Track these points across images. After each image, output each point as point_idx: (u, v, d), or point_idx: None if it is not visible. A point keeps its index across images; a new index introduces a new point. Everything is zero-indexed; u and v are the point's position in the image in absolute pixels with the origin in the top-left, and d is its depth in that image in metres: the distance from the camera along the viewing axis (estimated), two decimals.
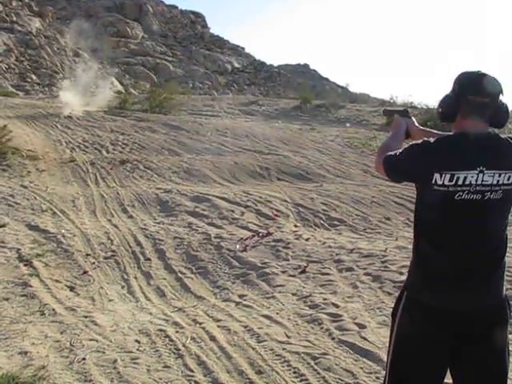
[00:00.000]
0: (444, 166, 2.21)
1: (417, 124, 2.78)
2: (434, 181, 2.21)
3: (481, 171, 2.21)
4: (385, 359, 3.87)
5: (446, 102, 2.38)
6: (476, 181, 2.21)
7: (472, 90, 2.27)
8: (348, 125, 16.55)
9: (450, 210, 2.25)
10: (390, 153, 2.39)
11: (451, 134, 2.37)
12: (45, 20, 47.25)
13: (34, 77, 37.24)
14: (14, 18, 44.25)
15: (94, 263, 6.59)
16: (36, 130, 15.54)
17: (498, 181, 2.22)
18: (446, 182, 2.20)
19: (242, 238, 7.31)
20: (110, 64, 46.52)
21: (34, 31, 43.95)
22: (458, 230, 2.26)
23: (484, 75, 2.29)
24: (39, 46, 42.00)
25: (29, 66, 39.13)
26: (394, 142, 2.60)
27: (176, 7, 63.89)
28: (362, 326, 4.66)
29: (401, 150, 2.36)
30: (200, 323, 4.88)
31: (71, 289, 5.86)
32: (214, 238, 7.35)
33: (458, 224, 2.26)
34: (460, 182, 2.20)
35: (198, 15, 64.35)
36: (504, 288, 2.34)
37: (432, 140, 2.30)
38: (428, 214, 2.31)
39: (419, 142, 2.34)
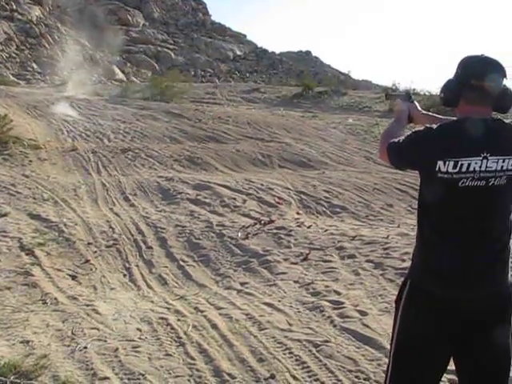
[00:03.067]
0: (447, 154, 2.17)
1: (419, 108, 2.74)
2: (437, 168, 2.18)
3: (485, 157, 2.17)
4: (387, 346, 3.87)
5: (448, 86, 2.35)
6: (480, 167, 2.17)
7: (475, 74, 2.23)
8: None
9: (454, 196, 2.22)
10: (394, 140, 2.36)
11: (454, 119, 2.34)
12: (45, 8, 47.02)
13: (34, 66, 37.13)
14: (14, 7, 44.05)
15: (95, 252, 6.58)
16: (37, 119, 15.51)
17: (502, 166, 2.19)
18: (450, 169, 2.17)
19: (243, 226, 7.29)
20: (112, 52, 46.33)
21: (34, 19, 43.78)
22: (462, 216, 2.23)
23: (487, 59, 2.25)
24: (40, 35, 41.84)
25: (29, 54, 39.02)
26: (396, 129, 2.57)
27: None
28: (363, 314, 4.65)
29: (403, 138, 2.33)
30: (202, 311, 4.88)
31: (73, 277, 5.86)
32: (216, 225, 7.33)
33: (462, 211, 2.23)
34: (464, 169, 2.17)
35: (199, 2, 63.97)
36: (509, 275, 2.32)
37: (435, 127, 2.26)
38: (432, 201, 2.28)
39: (421, 128, 2.30)
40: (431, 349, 2.27)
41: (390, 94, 3.10)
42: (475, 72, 2.24)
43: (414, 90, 20.96)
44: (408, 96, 2.80)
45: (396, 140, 2.35)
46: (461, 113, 2.31)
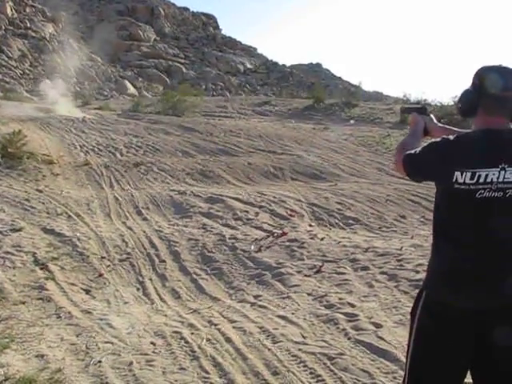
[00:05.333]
0: (465, 165, 2.17)
1: (435, 121, 2.73)
2: (454, 179, 2.18)
3: (502, 168, 2.17)
4: (402, 359, 3.84)
5: (465, 97, 2.34)
6: (498, 178, 2.16)
7: (492, 84, 2.23)
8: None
9: (471, 208, 2.21)
10: (410, 151, 2.35)
11: (471, 131, 2.33)
12: (58, 25, 47.61)
13: (48, 81, 37.50)
14: (28, 24, 44.69)
15: (109, 266, 6.60)
16: (50, 134, 15.65)
17: None
18: (467, 181, 2.17)
19: (256, 239, 7.29)
20: (123, 67, 46.76)
21: (47, 36, 44.34)
22: (479, 227, 2.21)
23: (505, 69, 2.25)
24: (53, 51, 42.34)
25: (43, 71, 39.45)
26: (412, 141, 2.55)
27: (187, 9, 64.18)
28: (378, 326, 4.61)
29: (420, 149, 2.32)
30: (215, 324, 4.87)
31: (87, 292, 5.88)
32: (229, 238, 7.34)
33: (479, 222, 2.21)
34: (481, 180, 2.16)
35: (209, 17, 64.55)
36: None
37: (452, 137, 2.26)
38: (448, 211, 2.28)
39: (438, 139, 2.30)
40: (448, 361, 2.25)
41: (405, 107, 3.07)
42: (493, 82, 2.23)
43: (425, 100, 20.92)
44: (424, 109, 2.79)
45: (412, 151, 2.34)
46: (478, 123, 2.30)
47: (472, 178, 2.16)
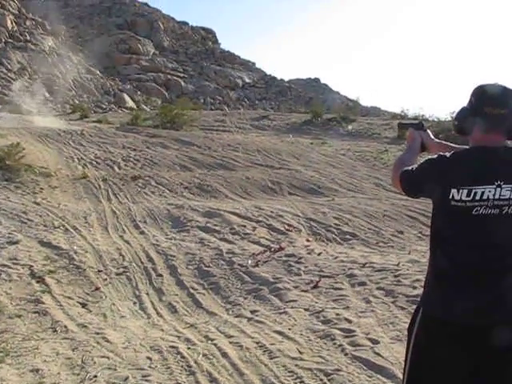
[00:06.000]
0: (461, 182, 2.19)
1: (432, 137, 2.74)
2: (451, 196, 2.19)
3: (498, 185, 2.18)
4: (399, 375, 3.82)
5: (462, 114, 2.37)
6: (494, 195, 2.18)
7: (489, 102, 2.24)
8: (350, 127, 16.45)
9: (467, 224, 2.22)
10: (407, 168, 2.37)
11: (468, 148, 2.35)
12: (57, 38, 47.83)
13: (47, 94, 37.62)
14: (28, 37, 44.87)
15: (105, 279, 6.59)
16: (48, 146, 15.66)
17: None
18: (464, 198, 2.18)
19: (253, 253, 7.28)
20: (122, 80, 46.92)
21: (47, 49, 44.50)
22: (475, 245, 2.22)
23: (501, 87, 2.27)
24: (52, 64, 42.47)
25: (42, 83, 39.54)
26: (409, 157, 2.58)
27: (187, 24, 64.52)
28: (375, 342, 4.60)
29: (417, 166, 2.34)
30: (212, 339, 4.85)
31: (83, 305, 5.86)
32: (226, 253, 7.33)
33: (475, 239, 2.22)
34: (477, 197, 2.18)
35: (208, 31, 64.88)
36: None
37: (448, 155, 2.28)
38: (445, 228, 2.29)
39: (435, 156, 2.31)
40: (445, 378, 2.25)
41: (402, 123, 3.09)
42: (489, 100, 2.25)
43: (422, 115, 21.02)
44: (420, 124, 2.81)
45: (409, 168, 2.36)
46: (474, 141, 2.32)
47: (468, 195, 2.18)
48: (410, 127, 2.80)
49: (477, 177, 2.19)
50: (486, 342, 2.21)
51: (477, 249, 2.22)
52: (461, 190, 2.18)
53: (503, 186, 2.18)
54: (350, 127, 19.02)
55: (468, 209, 2.19)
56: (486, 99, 2.26)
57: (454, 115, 2.42)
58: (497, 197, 2.18)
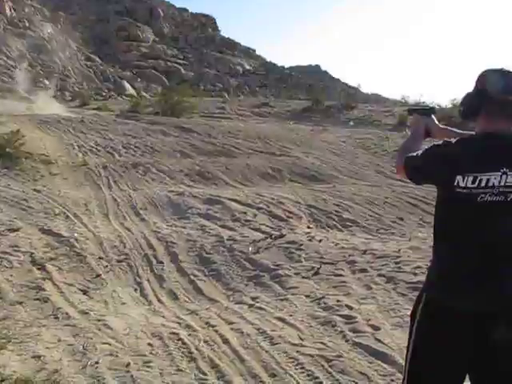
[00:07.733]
0: (466, 169, 2.17)
1: (437, 122, 2.70)
2: (456, 183, 2.18)
3: (504, 172, 2.17)
4: (400, 361, 3.83)
5: (468, 100, 2.34)
6: (499, 182, 2.17)
7: (495, 87, 2.22)
8: (351, 123, 16.44)
9: (473, 211, 2.21)
10: (411, 154, 2.35)
11: (473, 134, 2.33)
12: (56, 25, 47.56)
13: (46, 82, 37.47)
14: (27, 24, 44.61)
15: (106, 266, 6.59)
16: (49, 134, 15.63)
17: None
18: (469, 185, 2.17)
19: (254, 240, 7.28)
20: (122, 68, 46.75)
21: (46, 36, 44.28)
22: (480, 231, 2.21)
23: (507, 72, 2.25)
24: (51, 51, 42.29)
25: (41, 71, 39.41)
26: (414, 142, 2.54)
27: (187, 10, 64.06)
28: (376, 328, 4.61)
29: (421, 152, 2.31)
30: (213, 326, 4.86)
31: (84, 292, 5.86)
32: (227, 240, 7.33)
33: (480, 225, 2.21)
34: (483, 184, 2.16)
35: (208, 18, 64.45)
36: None
37: (454, 141, 2.26)
38: (449, 215, 2.28)
39: (440, 143, 2.29)
40: (447, 364, 2.24)
41: (412, 109, 3.01)
42: (495, 85, 2.23)
43: (423, 103, 20.92)
44: (433, 110, 2.74)
45: (414, 154, 2.34)
46: (480, 127, 2.30)
47: (473, 182, 2.16)
48: (415, 113, 2.76)
49: (482, 163, 2.18)
50: (489, 330, 2.21)
51: (480, 236, 2.21)
52: (466, 177, 2.16)
53: (509, 173, 2.17)
54: (351, 123, 18.96)
55: (473, 196, 2.18)
56: (491, 84, 2.24)
57: (460, 101, 2.38)
58: (502, 184, 2.17)
